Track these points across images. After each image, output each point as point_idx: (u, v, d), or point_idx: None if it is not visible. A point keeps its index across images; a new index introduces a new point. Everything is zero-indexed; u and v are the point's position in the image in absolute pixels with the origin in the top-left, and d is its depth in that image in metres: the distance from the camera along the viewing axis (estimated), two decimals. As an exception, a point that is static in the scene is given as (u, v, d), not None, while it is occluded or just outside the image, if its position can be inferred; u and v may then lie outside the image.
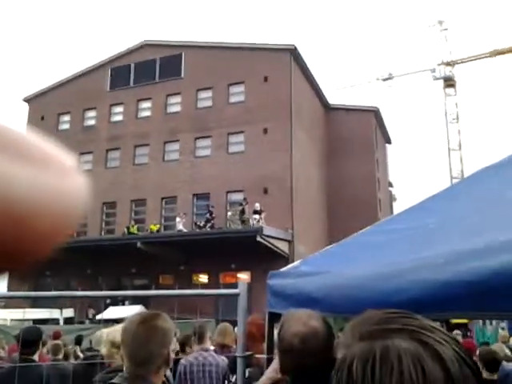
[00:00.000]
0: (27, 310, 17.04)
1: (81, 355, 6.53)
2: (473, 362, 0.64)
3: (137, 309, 16.10)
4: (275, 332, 2.81)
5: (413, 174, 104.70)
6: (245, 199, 23.04)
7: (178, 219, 23.78)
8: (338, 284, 1.76)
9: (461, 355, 0.62)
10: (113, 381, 1.86)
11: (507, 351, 6.14)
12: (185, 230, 23.47)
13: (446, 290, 1.16)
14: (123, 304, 19.05)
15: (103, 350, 3.02)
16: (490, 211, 1.82)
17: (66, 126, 30.04)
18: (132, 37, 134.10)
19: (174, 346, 1.97)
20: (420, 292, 1.24)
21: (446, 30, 47.18)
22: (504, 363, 5.68)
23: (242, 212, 22.62)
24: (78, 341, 7.67)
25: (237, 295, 2.63)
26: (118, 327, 3.06)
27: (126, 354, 1.87)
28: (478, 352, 4.98)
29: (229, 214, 23.59)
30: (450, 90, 46.02)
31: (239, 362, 2.62)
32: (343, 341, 0.71)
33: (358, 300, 1.55)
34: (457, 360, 0.61)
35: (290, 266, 2.64)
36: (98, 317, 16.42)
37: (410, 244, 1.82)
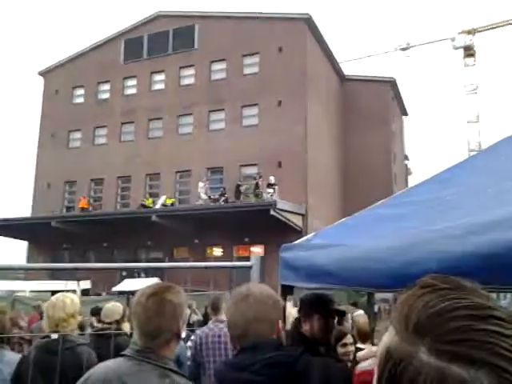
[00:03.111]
0: (43, 281, 17.44)
1: (99, 325, 6.66)
2: None
3: (153, 281, 16.36)
4: (288, 304, 2.81)
5: (429, 147, 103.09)
6: (258, 173, 22.97)
7: (201, 184, 23.79)
8: (353, 256, 1.72)
9: None
10: (123, 352, 1.87)
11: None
12: (204, 197, 23.49)
13: (464, 261, 1.12)
14: (139, 276, 19.36)
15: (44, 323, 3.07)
16: (507, 184, 1.75)
17: (80, 100, 30.07)
18: (145, 8, 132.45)
19: (186, 318, 1.98)
20: (437, 264, 1.20)
21: (466, -3, 45.63)
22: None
23: (256, 186, 22.61)
24: (96, 312, 7.82)
25: (249, 268, 2.63)
26: (53, 298, 3.09)
27: (136, 327, 1.88)
28: None
29: (243, 187, 23.58)
30: (469, 60, 44.89)
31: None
32: (402, 333, 0.57)
33: (373, 272, 1.51)
34: None
35: (303, 238, 2.60)
36: (114, 289, 16.74)
37: (426, 216, 1.77)
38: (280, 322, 1.78)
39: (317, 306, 2.57)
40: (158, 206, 24.43)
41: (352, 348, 3.70)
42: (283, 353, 1.62)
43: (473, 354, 0.52)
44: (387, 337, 0.59)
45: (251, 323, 1.68)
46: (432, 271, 1.22)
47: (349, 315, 6.18)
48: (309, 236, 2.57)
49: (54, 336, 2.92)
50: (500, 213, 1.27)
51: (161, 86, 28.18)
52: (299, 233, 21.73)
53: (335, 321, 2.89)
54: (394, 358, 0.56)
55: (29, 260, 27.71)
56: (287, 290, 2.50)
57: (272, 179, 22.24)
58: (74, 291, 17.53)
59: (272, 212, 19.94)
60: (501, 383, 0.50)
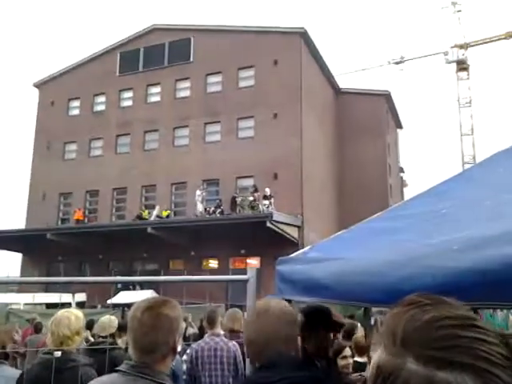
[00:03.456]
0: (37, 294, 17.26)
1: (92, 339, 6.59)
2: None
3: (148, 294, 16.23)
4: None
5: (424, 160, 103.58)
6: (254, 186, 22.96)
7: (198, 192, 23.76)
8: (349, 270, 1.72)
9: None
10: (118, 368, 1.84)
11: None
12: (200, 207, 23.45)
13: (461, 277, 1.12)
14: (134, 289, 19.22)
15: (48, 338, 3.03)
16: (504, 196, 1.76)
17: (75, 112, 30.11)
18: (141, 21, 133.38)
19: (182, 333, 1.95)
20: (433, 280, 1.20)
21: (459, 11, 46.35)
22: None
23: (253, 198, 22.60)
24: (90, 325, 7.73)
25: (246, 281, 2.61)
26: (58, 314, 3.05)
27: (132, 341, 1.85)
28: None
29: (239, 199, 23.57)
30: (462, 74, 45.36)
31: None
32: (390, 348, 0.59)
33: (369, 287, 1.51)
34: None
35: (299, 251, 2.60)
36: (109, 301, 16.59)
37: (422, 230, 1.77)
38: (299, 338, 1.77)
39: (318, 318, 2.53)
40: (152, 218, 24.36)
41: (351, 360, 3.69)
42: (302, 373, 1.61)
43: (458, 358, 0.54)
44: (377, 354, 0.61)
45: (271, 340, 1.67)
46: (428, 286, 1.22)
47: (359, 327, 6.11)
48: (305, 249, 2.56)
49: (58, 354, 2.88)
50: (498, 227, 1.27)
51: (157, 99, 28.28)
52: (295, 245, 21.69)
53: (341, 335, 2.86)
54: (384, 372, 0.58)
55: (23, 272, 27.49)
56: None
57: (268, 191, 22.25)
58: (69, 304, 17.43)
59: (268, 224, 19.91)
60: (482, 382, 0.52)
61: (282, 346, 1.68)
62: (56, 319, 2.99)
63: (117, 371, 1.85)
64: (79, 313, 3.13)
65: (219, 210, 23.03)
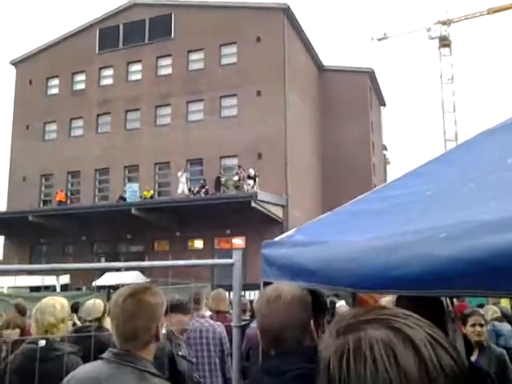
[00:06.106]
0: (20, 277, 17.03)
1: (78, 323, 6.57)
2: (449, 344, 0.64)
3: (134, 275, 16.19)
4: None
5: (407, 137, 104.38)
6: (239, 167, 22.87)
7: (179, 173, 23.64)
8: (334, 255, 1.71)
9: (435, 338, 0.63)
10: (102, 356, 1.85)
11: (497, 311, 6.28)
12: (186, 192, 23.36)
13: (448, 267, 1.11)
14: (119, 270, 19.15)
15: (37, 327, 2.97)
16: (488, 178, 1.76)
17: (55, 91, 29.46)
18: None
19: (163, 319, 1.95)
20: (420, 268, 1.19)
21: (442, -13, 46.16)
22: (495, 323, 5.87)
23: (238, 178, 22.55)
24: (75, 308, 7.69)
25: (231, 265, 2.60)
26: (43, 302, 3.02)
27: (114, 329, 1.86)
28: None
29: (223, 179, 23.50)
30: (445, 50, 45.47)
31: (235, 331, 2.60)
32: (324, 342, 0.70)
33: (354, 273, 1.50)
34: (429, 343, 0.62)
35: (284, 234, 2.58)
36: (95, 283, 16.51)
37: (407, 213, 1.77)
38: (312, 322, 1.74)
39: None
40: (127, 195, 24.02)
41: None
42: (314, 365, 1.60)
43: (366, 319, 0.67)
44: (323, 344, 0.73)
45: (286, 327, 1.64)
46: (415, 275, 1.22)
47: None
48: (290, 232, 2.55)
49: (42, 343, 2.85)
50: (482, 211, 1.26)
51: (137, 77, 27.79)
52: (280, 224, 21.83)
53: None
54: (319, 363, 0.70)
55: (6, 255, 27.21)
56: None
57: (251, 171, 22.20)
58: (53, 287, 17.30)
59: (253, 203, 19.94)
60: (386, 328, 0.64)
61: (298, 333, 1.66)
62: (41, 307, 2.97)
63: (101, 359, 1.86)
64: (64, 301, 3.11)
65: (204, 190, 22.95)
